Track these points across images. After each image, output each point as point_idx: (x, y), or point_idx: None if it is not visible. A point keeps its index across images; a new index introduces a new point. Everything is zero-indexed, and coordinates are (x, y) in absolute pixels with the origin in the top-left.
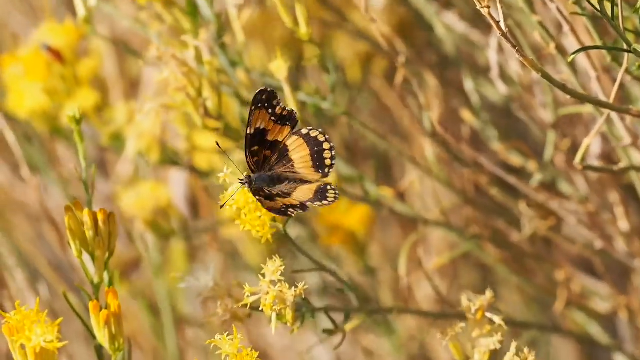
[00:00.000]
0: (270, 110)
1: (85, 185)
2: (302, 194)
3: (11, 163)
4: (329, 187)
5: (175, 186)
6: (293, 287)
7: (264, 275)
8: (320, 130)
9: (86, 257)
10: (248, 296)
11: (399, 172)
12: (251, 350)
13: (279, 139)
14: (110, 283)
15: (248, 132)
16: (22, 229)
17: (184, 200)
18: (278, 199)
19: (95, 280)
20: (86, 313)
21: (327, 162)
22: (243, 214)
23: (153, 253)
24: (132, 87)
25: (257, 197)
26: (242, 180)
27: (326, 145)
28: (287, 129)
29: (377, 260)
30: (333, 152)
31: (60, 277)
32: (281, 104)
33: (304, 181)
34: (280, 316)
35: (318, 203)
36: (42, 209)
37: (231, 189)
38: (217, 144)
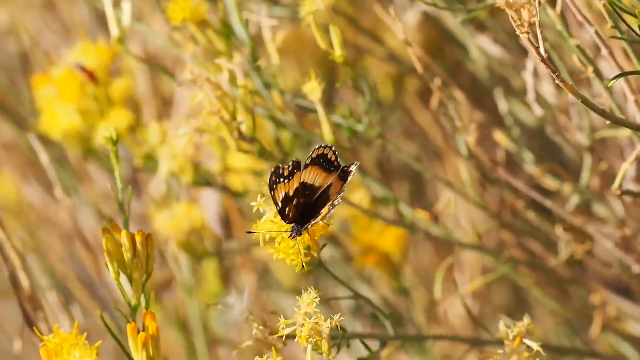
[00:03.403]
0: (282, 180)
1: (121, 207)
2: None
3: (44, 183)
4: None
5: (208, 206)
6: (329, 319)
7: (299, 307)
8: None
9: (123, 278)
10: (283, 328)
11: (432, 192)
12: None
13: (297, 187)
14: (147, 305)
15: (278, 208)
16: (56, 249)
17: (217, 221)
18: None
19: (133, 302)
20: (120, 334)
21: (333, 158)
22: (277, 243)
23: (186, 274)
24: (165, 106)
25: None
26: (291, 235)
27: (327, 151)
28: (297, 176)
29: (411, 280)
30: (333, 150)
31: (93, 296)
32: (286, 166)
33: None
34: (316, 347)
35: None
36: (75, 229)
37: (264, 218)
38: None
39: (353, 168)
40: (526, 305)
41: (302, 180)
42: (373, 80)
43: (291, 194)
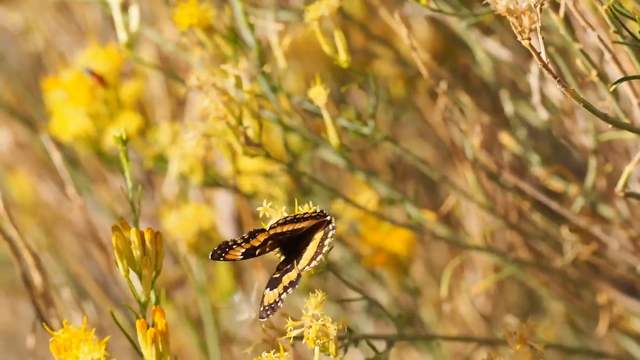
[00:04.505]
0: (235, 246)
1: (131, 206)
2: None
3: (58, 182)
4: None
5: (221, 206)
6: (336, 321)
7: (307, 309)
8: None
9: (133, 275)
10: (291, 330)
11: (444, 190)
12: None
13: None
14: (157, 302)
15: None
16: (69, 247)
17: (231, 220)
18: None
19: (142, 299)
20: (132, 330)
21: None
22: None
23: (197, 272)
24: (180, 105)
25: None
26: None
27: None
28: (262, 235)
29: (422, 277)
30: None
31: (106, 294)
32: (240, 238)
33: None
34: (323, 348)
35: (321, 255)
36: (88, 228)
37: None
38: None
39: (330, 230)
40: (539, 304)
41: (273, 233)
42: (382, 82)
43: (257, 244)
